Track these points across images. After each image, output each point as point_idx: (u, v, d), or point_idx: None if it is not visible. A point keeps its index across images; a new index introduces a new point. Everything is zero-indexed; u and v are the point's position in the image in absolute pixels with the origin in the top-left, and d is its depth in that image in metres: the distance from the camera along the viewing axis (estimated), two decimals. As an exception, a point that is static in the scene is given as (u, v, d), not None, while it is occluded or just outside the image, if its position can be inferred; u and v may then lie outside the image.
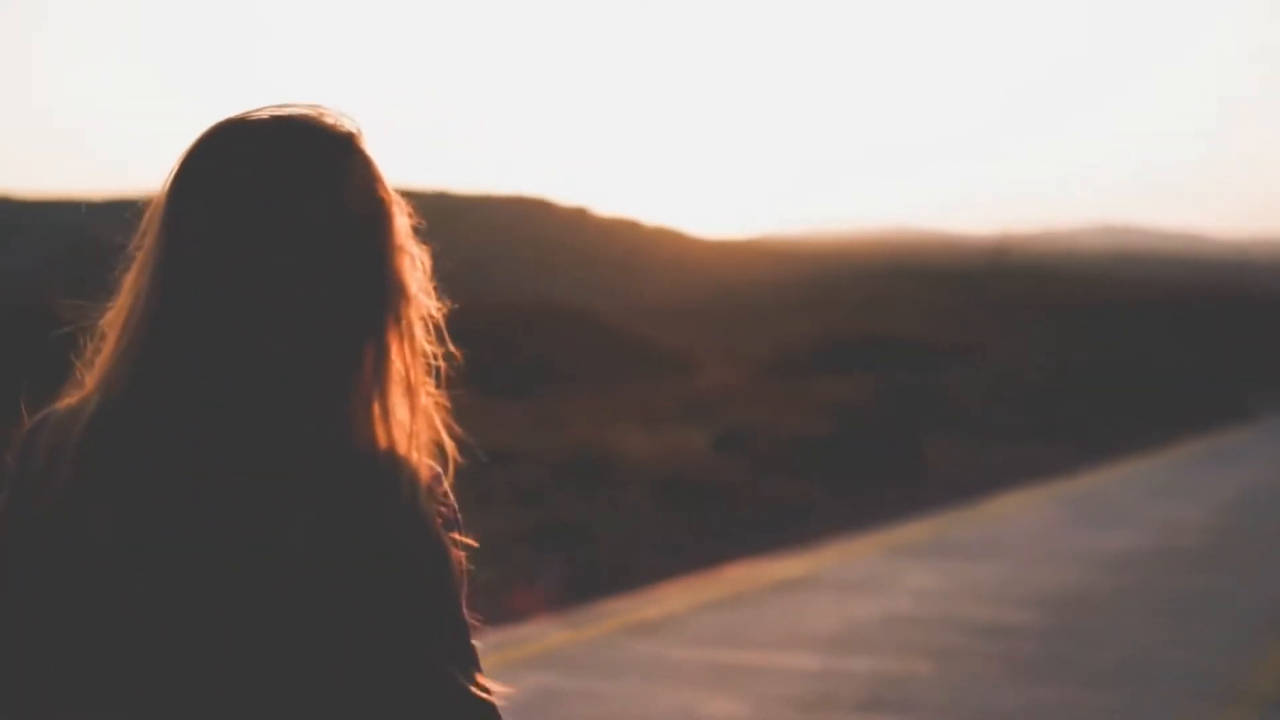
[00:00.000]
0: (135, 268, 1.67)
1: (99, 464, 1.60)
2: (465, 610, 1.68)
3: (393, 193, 1.70)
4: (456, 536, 1.69)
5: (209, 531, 1.57)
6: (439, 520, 1.66)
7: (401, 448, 1.65)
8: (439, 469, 1.70)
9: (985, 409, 27.04)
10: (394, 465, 1.63)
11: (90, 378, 1.68)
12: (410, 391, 1.67)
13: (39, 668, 1.62)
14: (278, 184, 1.63)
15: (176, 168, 1.66)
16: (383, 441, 1.64)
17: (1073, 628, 10.02)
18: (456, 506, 1.72)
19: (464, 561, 1.69)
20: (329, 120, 1.68)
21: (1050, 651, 9.26)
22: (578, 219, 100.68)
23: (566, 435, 19.03)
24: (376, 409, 1.64)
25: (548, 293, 46.15)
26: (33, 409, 1.71)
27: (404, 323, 1.66)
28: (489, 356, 31.94)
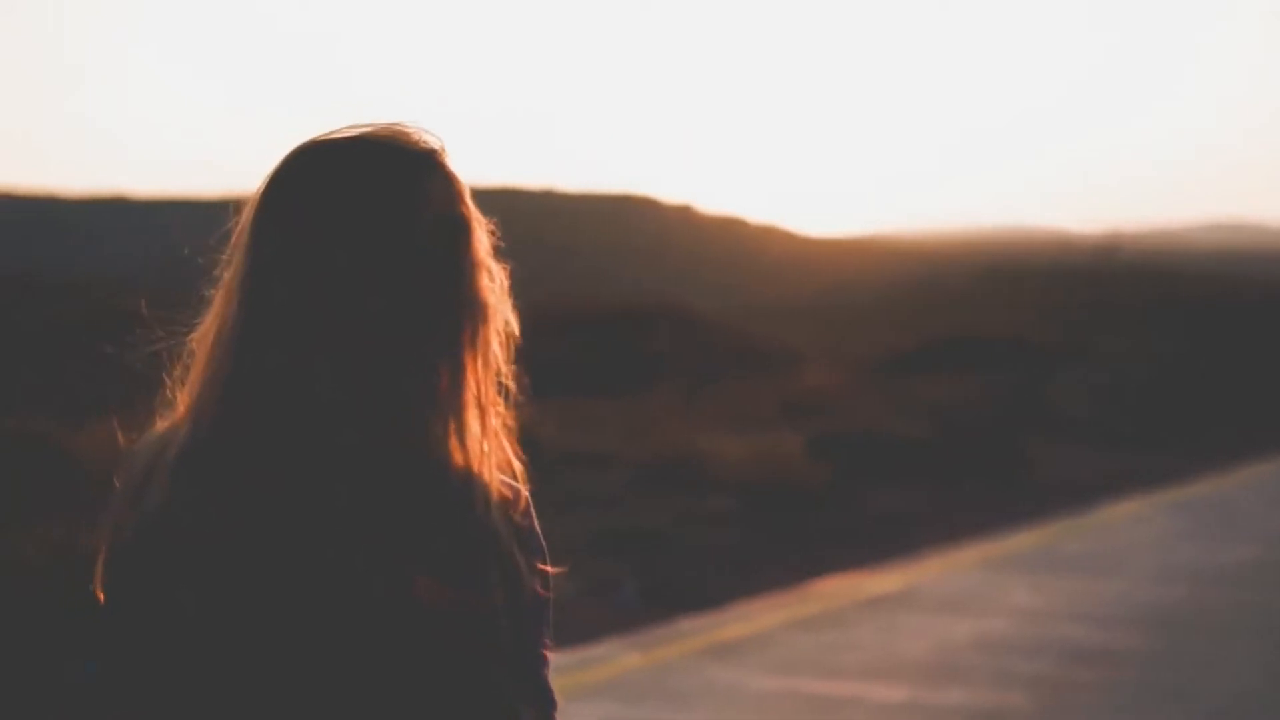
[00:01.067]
0: (222, 288, 1.70)
1: (189, 491, 1.63)
2: (545, 638, 1.73)
3: (474, 209, 1.72)
4: (540, 565, 1.74)
5: (296, 559, 1.61)
6: (515, 542, 1.69)
7: (476, 466, 1.67)
8: (519, 489, 1.74)
9: (1094, 412, 26.14)
10: (470, 484, 1.66)
11: (181, 399, 1.71)
12: (482, 410, 1.69)
13: (135, 690, 1.65)
14: (359, 203, 1.66)
15: (261, 189, 1.71)
16: (459, 460, 1.66)
17: (1185, 653, 9.30)
18: (539, 531, 1.76)
19: (544, 588, 1.73)
20: (411, 137, 1.71)
21: (1160, 680, 8.56)
22: (683, 216, 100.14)
23: (656, 437, 18.43)
24: (453, 427, 1.66)
25: (652, 291, 45.57)
26: (126, 420, 1.83)
27: (480, 340, 1.69)
28: (589, 356, 31.50)
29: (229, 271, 1.70)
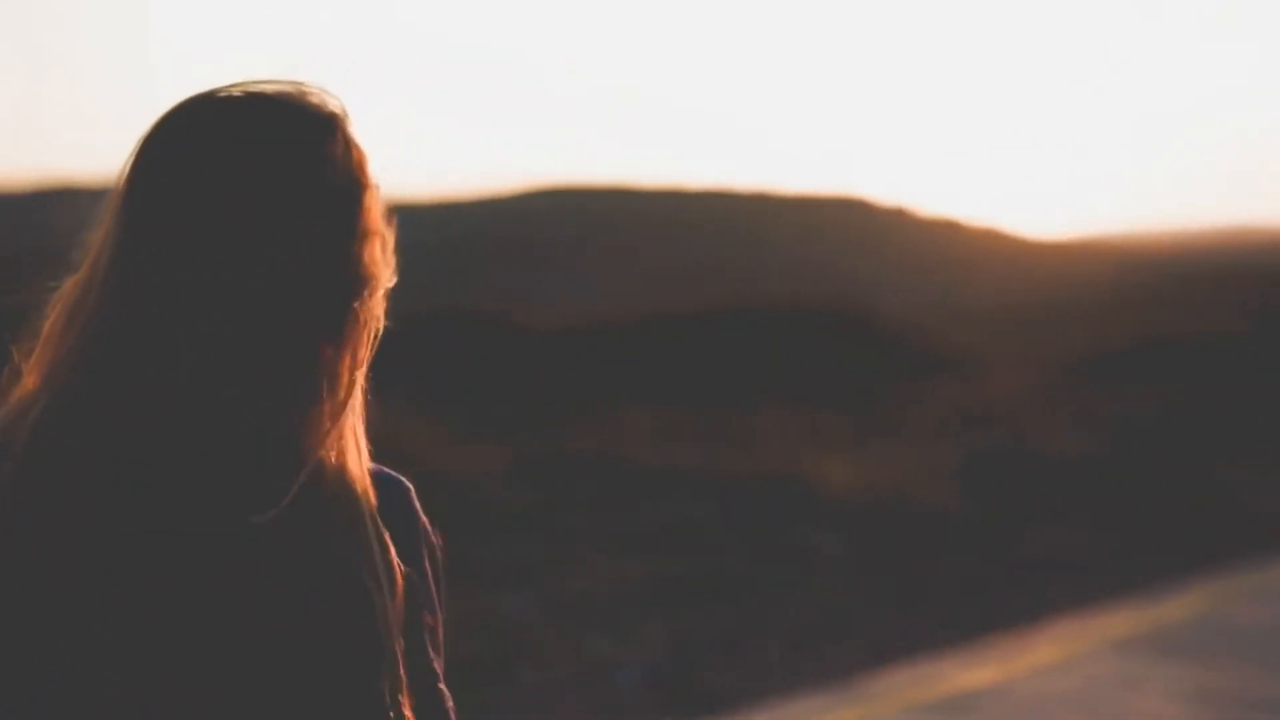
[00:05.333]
0: (90, 252, 1.59)
1: (43, 472, 1.51)
2: (433, 643, 1.66)
3: (372, 178, 1.62)
4: (423, 560, 1.66)
5: (146, 550, 1.51)
6: (398, 536, 1.62)
7: (349, 453, 1.60)
8: (402, 480, 1.69)
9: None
10: (344, 473, 1.58)
11: (32, 373, 1.58)
12: (353, 393, 1.61)
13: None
14: (245, 165, 1.55)
15: (136, 148, 1.59)
16: (332, 446, 1.58)
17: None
18: (424, 522, 1.68)
19: (434, 583, 1.67)
20: (309, 98, 1.61)
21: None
22: (897, 219, 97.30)
23: (776, 454, 15.90)
24: (328, 411, 1.58)
25: (856, 295, 43.20)
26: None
27: (362, 319, 1.61)
28: (759, 361, 29.20)
29: (99, 233, 1.57)
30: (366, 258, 1.60)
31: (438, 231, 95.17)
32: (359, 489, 1.60)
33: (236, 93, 1.59)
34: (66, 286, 1.59)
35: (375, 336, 1.64)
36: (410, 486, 1.70)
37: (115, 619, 1.49)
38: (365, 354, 1.62)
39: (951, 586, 10.83)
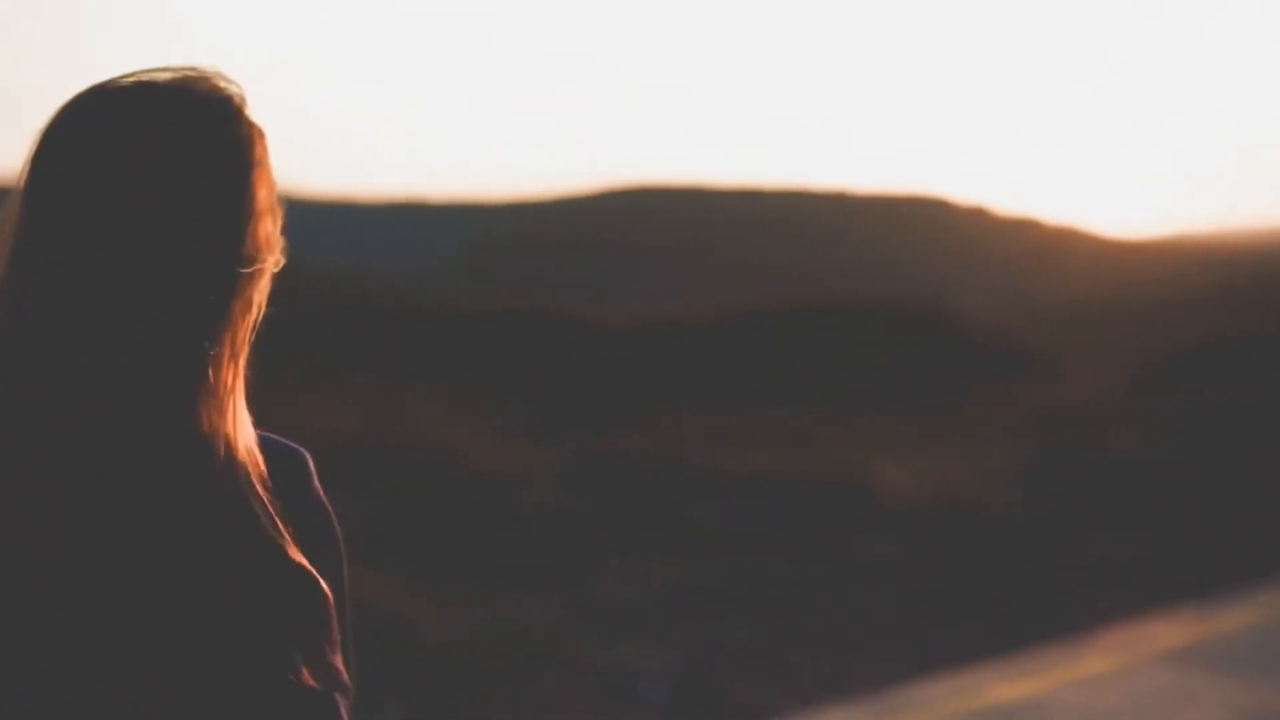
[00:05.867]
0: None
1: None
2: (331, 618, 1.63)
3: (267, 160, 1.65)
4: (322, 536, 1.67)
5: (39, 532, 1.53)
6: (295, 512, 1.63)
7: (234, 429, 1.61)
8: (302, 453, 1.71)
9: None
10: (231, 451, 1.60)
11: None
12: (239, 371, 1.64)
13: None
14: (128, 153, 1.58)
15: (35, 140, 1.63)
16: (219, 425, 1.60)
17: None
18: (323, 499, 1.70)
19: (329, 561, 1.66)
20: (204, 83, 1.64)
21: None
22: (976, 218, 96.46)
23: (836, 456, 15.51)
24: (220, 388, 1.60)
25: (936, 295, 42.79)
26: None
27: (246, 297, 1.63)
28: (822, 363, 28.80)
29: (6, 223, 1.61)
30: (251, 237, 1.62)
31: (517, 231, 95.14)
32: (242, 459, 1.61)
33: (126, 82, 1.63)
34: None
35: (259, 312, 1.67)
36: (307, 457, 1.72)
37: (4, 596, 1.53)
38: (248, 329, 1.65)
39: (1000, 594, 10.43)
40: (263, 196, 1.65)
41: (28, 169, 1.62)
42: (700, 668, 8.50)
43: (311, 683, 1.61)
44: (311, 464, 1.72)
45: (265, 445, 1.68)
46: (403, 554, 10.54)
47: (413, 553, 10.66)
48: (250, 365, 1.68)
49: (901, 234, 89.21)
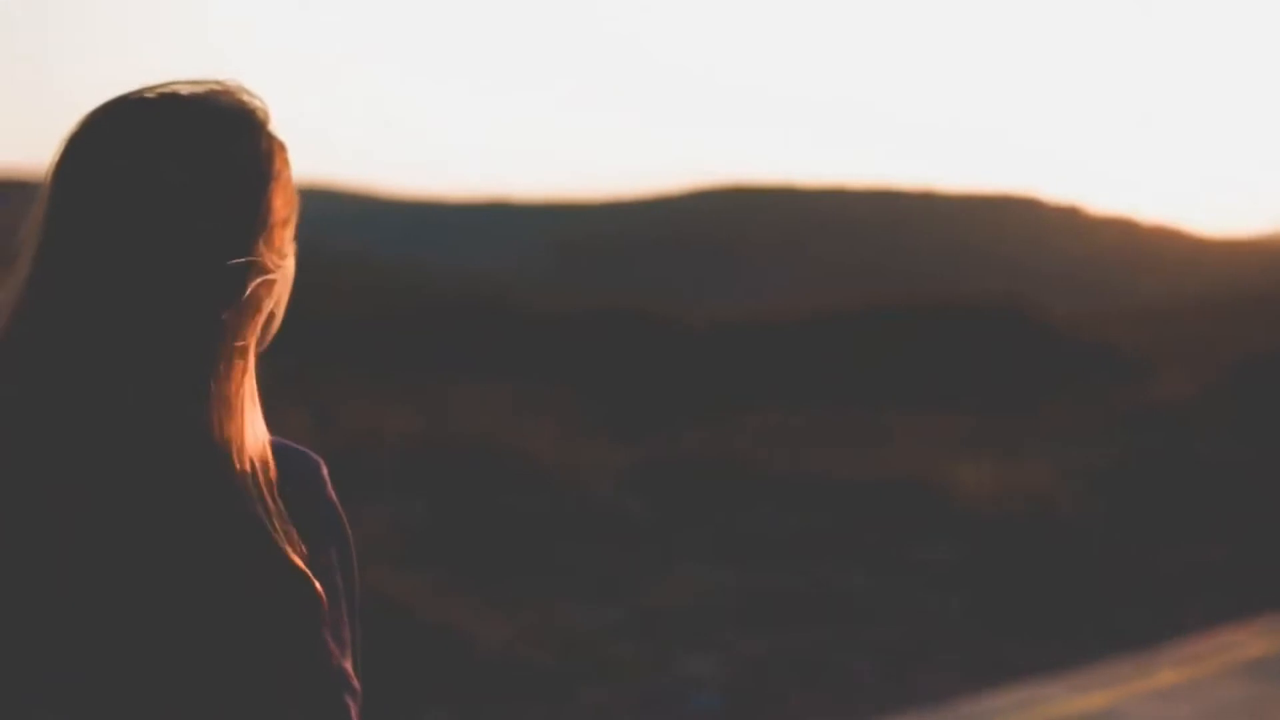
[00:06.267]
0: (24, 247, 1.66)
1: None
2: (339, 622, 1.64)
3: (285, 171, 1.68)
4: (330, 541, 1.67)
5: (64, 536, 1.56)
6: (306, 517, 1.64)
7: (241, 435, 1.62)
8: (313, 458, 1.71)
9: None
10: (240, 455, 1.61)
11: None
12: (247, 374, 1.66)
13: None
14: (147, 164, 1.61)
15: (60, 146, 1.66)
16: (232, 431, 1.61)
17: None
18: (334, 502, 1.70)
19: (339, 565, 1.67)
20: (225, 99, 1.67)
21: None
22: (1069, 217, 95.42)
23: (913, 457, 15.16)
24: (222, 389, 1.62)
25: (1028, 296, 42.30)
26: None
27: (256, 304, 1.65)
28: (909, 363, 28.42)
29: (31, 226, 1.65)
30: (264, 247, 1.65)
31: (608, 230, 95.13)
32: (251, 462, 1.62)
33: (151, 94, 1.66)
34: (10, 279, 1.67)
35: (273, 320, 1.70)
36: (320, 463, 1.71)
37: (17, 595, 1.55)
38: (257, 334, 1.66)
39: (1072, 603, 10.09)
40: (278, 207, 1.67)
41: (52, 174, 1.66)
42: (757, 677, 8.24)
43: (315, 685, 1.61)
44: (324, 470, 1.72)
45: (278, 450, 1.69)
46: (458, 556, 10.33)
47: (468, 555, 10.45)
48: (262, 369, 1.71)
49: (992, 233, 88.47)
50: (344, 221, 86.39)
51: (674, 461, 14.78)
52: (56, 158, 1.66)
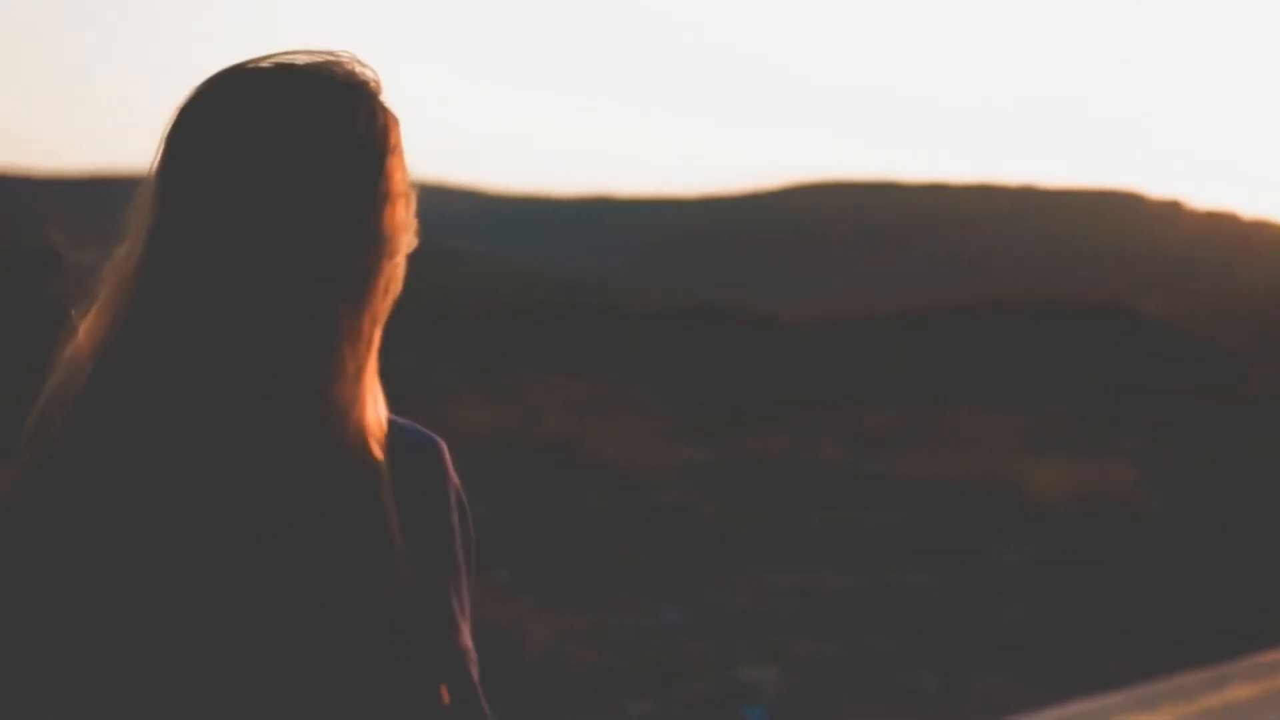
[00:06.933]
0: (135, 226, 1.63)
1: (83, 447, 1.57)
2: (458, 599, 1.65)
3: (400, 146, 1.65)
4: (453, 519, 1.67)
5: (185, 518, 1.56)
6: (420, 495, 1.64)
7: (366, 412, 1.61)
8: (435, 438, 1.69)
9: None
10: (363, 434, 1.60)
11: (85, 338, 1.63)
12: (370, 353, 1.62)
13: (24, 651, 1.57)
14: (266, 136, 1.58)
15: (171, 119, 1.63)
16: (352, 405, 1.60)
17: None
18: (455, 483, 1.69)
19: (462, 543, 1.67)
20: (337, 69, 1.64)
21: None
22: (1170, 212, 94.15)
23: (1000, 458, 14.84)
24: (348, 369, 1.60)
25: (1128, 292, 41.81)
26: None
27: (381, 280, 1.63)
28: (1002, 359, 28.02)
29: (143, 204, 1.61)
30: (386, 220, 1.62)
31: (707, 227, 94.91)
32: (368, 440, 1.59)
33: (267, 64, 1.63)
34: (117, 256, 1.62)
35: (393, 296, 1.66)
36: (442, 445, 1.69)
37: (148, 581, 1.54)
38: (383, 312, 1.63)
39: (1147, 611, 9.76)
40: (397, 181, 1.64)
41: (163, 147, 1.62)
42: (813, 686, 8.00)
43: (438, 658, 1.62)
44: (446, 452, 1.68)
45: (401, 431, 1.66)
46: (517, 555, 10.17)
47: (528, 554, 10.28)
48: (384, 350, 1.67)
49: (1093, 228, 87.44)
50: (451, 219, 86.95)
51: (750, 460, 14.56)
52: (167, 129, 1.62)
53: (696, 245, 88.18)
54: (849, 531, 11.43)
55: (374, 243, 1.61)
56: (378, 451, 1.60)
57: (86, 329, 1.64)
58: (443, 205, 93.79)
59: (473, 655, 1.66)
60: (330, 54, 1.65)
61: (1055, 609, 9.65)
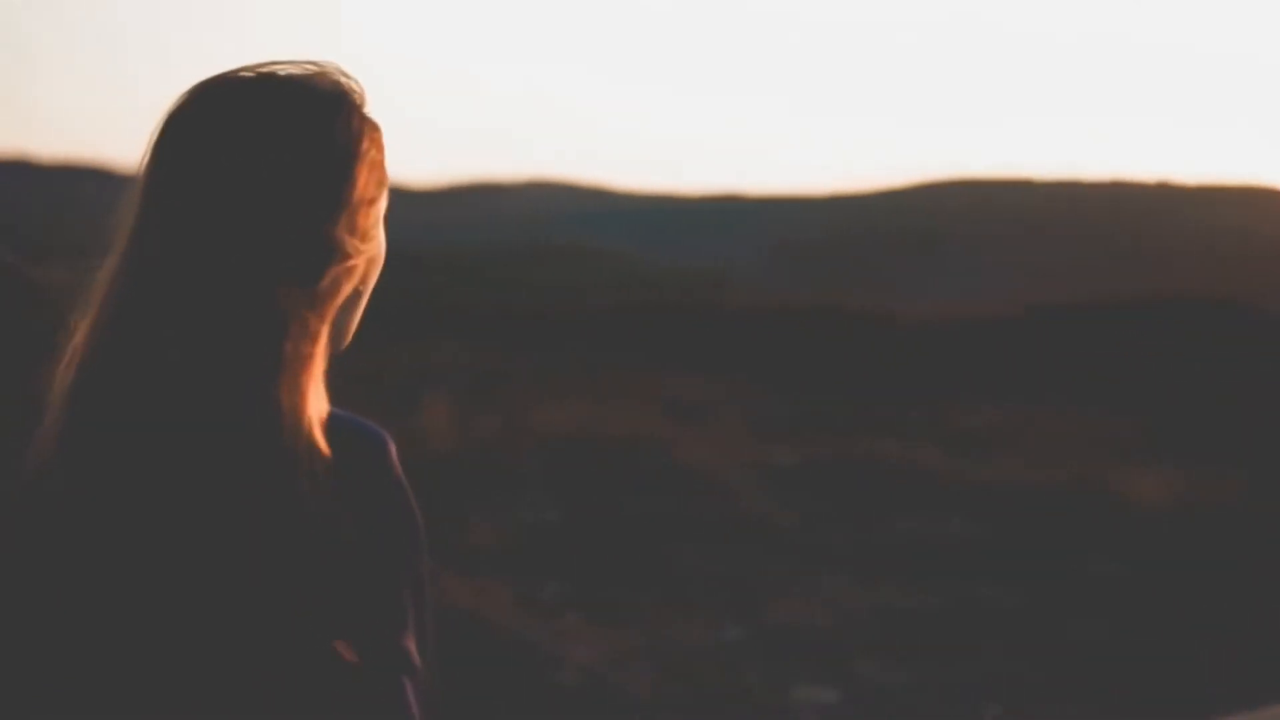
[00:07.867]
0: (121, 228, 1.68)
1: (68, 452, 1.61)
2: (405, 599, 1.65)
3: (379, 156, 1.70)
4: (400, 519, 1.68)
5: (149, 525, 1.58)
6: (373, 496, 1.65)
7: (310, 412, 1.63)
8: (382, 434, 1.71)
9: None
10: (311, 438, 1.61)
11: (81, 334, 1.67)
12: (314, 352, 1.65)
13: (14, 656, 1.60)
14: (239, 142, 1.63)
15: (158, 125, 1.68)
16: (294, 403, 1.62)
17: None
18: (402, 481, 1.70)
19: (407, 543, 1.68)
20: (320, 80, 1.69)
21: None
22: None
23: (1099, 464, 14.15)
24: (294, 368, 1.63)
25: (1263, 292, 40.72)
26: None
27: (336, 285, 1.67)
28: (1125, 359, 27.21)
29: (129, 207, 1.67)
30: (345, 226, 1.66)
31: (836, 225, 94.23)
32: (308, 435, 1.62)
33: (249, 74, 1.68)
34: (108, 262, 1.67)
35: (359, 300, 1.71)
36: (387, 439, 1.71)
37: (110, 589, 1.57)
38: (333, 311, 1.66)
39: (1252, 636, 9.09)
40: (362, 187, 1.67)
41: (150, 151, 1.67)
42: (873, 713, 7.46)
43: (368, 660, 1.60)
44: (391, 446, 1.70)
45: (344, 424, 1.67)
46: (573, 565, 9.70)
47: (585, 564, 9.81)
48: (352, 348, 1.71)
49: (1228, 226, 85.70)
50: (582, 217, 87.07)
51: (839, 463, 14.00)
52: (154, 134, 1.68)
53: (825, 243, 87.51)
54: (934, 542, 10.84)
55: (331, 246, 1.64)
56: (322, 444, 1.61)
57: (80, 333, 1.68)
58: (573, 204, 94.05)
59: (411, 660, 1.65)
60: (315, 64, 1.70)
61: (1147, 629, 9.01)
